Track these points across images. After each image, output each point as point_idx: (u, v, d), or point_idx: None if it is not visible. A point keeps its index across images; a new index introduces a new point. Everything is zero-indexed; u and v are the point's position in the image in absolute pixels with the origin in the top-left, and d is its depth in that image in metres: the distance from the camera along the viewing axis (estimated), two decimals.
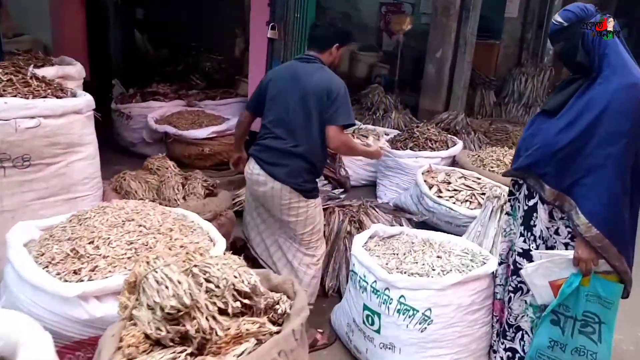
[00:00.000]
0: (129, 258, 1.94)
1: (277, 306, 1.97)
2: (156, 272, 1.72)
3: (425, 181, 4.13)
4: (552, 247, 2.40)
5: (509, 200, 2.64)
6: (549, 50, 9.69)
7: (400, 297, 2.57)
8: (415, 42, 8.90)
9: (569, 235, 2.32)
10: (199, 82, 7.80)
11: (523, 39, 8.92)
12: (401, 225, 4.00)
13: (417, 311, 2.54)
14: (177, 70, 8.64)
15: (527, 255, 2.46)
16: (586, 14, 2.23)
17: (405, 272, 2.65)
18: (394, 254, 2.88)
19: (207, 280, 1.78)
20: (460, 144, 5.03)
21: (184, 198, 2.92)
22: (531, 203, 2.45)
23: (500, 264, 2.69)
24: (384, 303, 2.62)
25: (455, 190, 3.98)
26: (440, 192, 4.00)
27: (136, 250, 1.99)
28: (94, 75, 7.70)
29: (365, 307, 2.72)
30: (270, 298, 2.03)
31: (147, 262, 1.76)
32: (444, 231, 3.93)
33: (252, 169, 2.90)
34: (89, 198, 2.89)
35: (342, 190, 4.43)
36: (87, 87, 6.79)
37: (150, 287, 1.68)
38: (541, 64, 8.71)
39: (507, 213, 2.67)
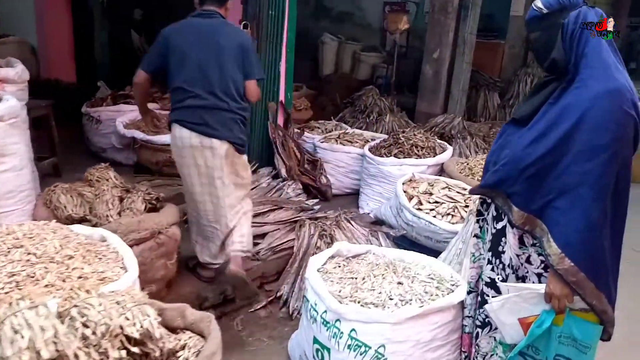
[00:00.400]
0: (6, 293, 1.65)
1: (181, 353, 1.67)
2: (16, 316, 1.42)
3: (405, 192, 3.80)
4: (523, 278, 2.07)
5: (477, 222, 2.31)
6: None
7: (351, 331, 2.25)
8: (418, 42, 8.54)
9: (542, 265, 1.98)
10: None
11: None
12: (378, 240, 3.69)
13: (369, 348, 2.22)
14: None
15: (495, 285, 2.13)
16: (570, 1, 1.89)
17: (359, 302, 2.33)
18: (352, 278, 2.56)
19: (85, 325, 1.48)
20: (449, 150, 4.67)
21: (119, 214, 2.63)
22: (499, 226, 2.11)
23: (469, 292, 2.35)
24: (333, 337, 2.30)
25: (436, 202, 3.64)
26: (421, 204, 3.66)
27: (18, 283, 1.69)
28: (80, 77, 7.52)
29: (315, 340, 2.41)
30: (176, 340, 1.73)
31: (10, 304, 1.46)
32: (424, 247, 3.61)
33: (182, 135, 2.78)
34: (15, 213, 2.61)
35: (316, 200, 4.12)
36: (72, 90, 6.67)
37: (5, 336, 1.38)
38: None
39: (475, 235, 2.33)
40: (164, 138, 4.36)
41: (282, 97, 4.62)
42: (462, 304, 2.37)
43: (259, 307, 3.35)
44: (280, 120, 4.69)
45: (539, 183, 1.89)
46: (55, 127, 4.24)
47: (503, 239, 2.09)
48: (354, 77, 9.12)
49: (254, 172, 4.30)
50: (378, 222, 3.91)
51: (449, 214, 3.55)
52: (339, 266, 2.71)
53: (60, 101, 5.61)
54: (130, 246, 2.50)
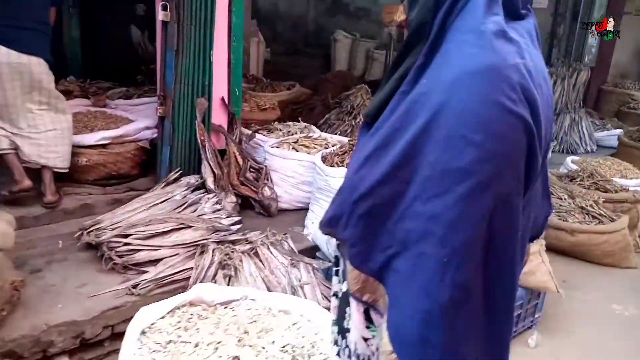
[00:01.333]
0: None
1: None
2: None
3: None
4: None
5: (336, 274, 1.52)
6: (591, 48, 8.27)
7: None
8: None
9: None
10: None
11: (554, 33, 7.55)
12: (299, 272, 2.93)
13: None
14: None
15: None
16: None
17: None
18: (186, 343, 1.82)
19: None
20: None
21: None
22: (344, 287, 1.34)
23: None
24: None
25: None
26: None
27: None
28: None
29: None
30: None
31: None
32: None
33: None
34: None
35: (236, 220, 3.38)
36: None
37: None
38: (575, 64, 7.28)
39: (334, 294, 1.55)
40: (77, 139, 3.74)
41: (224, 94, 3.91)
42: None
43: None
44: (224, 121, 3.98)
45: (377, 226, 1.10)
46: None
47: (348, 309, 1.32)
48: (355, 76, 8.37)
49: (174, 181, 3.62)
50: (299, 253, 3.12)
51: None
52: (190, 319, 1.98)
53: None
54: None
